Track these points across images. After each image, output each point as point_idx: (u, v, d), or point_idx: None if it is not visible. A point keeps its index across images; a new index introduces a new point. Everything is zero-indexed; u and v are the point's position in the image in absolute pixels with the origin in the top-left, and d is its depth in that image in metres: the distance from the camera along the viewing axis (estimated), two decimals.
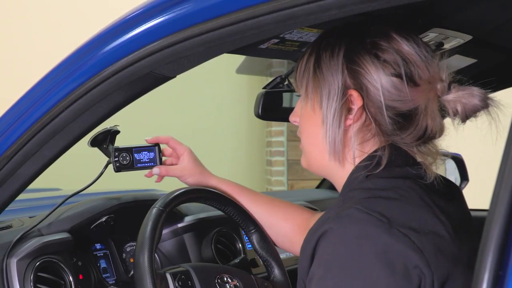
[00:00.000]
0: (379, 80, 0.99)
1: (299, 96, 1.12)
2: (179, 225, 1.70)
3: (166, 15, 0.98)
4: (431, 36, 1.19)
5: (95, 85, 1.07)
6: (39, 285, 1.36)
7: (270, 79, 1.48)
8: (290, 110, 1.50)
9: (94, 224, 1.54)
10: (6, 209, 1.30)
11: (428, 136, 1.03)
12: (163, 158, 1.54)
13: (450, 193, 1.07)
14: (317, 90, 1.04)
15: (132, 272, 1.61)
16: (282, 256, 1.60)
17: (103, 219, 1.55)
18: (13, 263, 1.33)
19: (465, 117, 0.99)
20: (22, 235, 1.40)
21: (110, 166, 1.50)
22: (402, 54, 1.00)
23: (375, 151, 1.02)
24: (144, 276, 1.23)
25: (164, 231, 1.68)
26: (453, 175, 2.23)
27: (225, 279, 1.40)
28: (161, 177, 1.51)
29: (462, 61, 1.40)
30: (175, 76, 1.12)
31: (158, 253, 1.69)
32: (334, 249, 0.91)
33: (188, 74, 1.17)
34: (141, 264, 1.23)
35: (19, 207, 1.72)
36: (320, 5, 0.86)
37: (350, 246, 0.90)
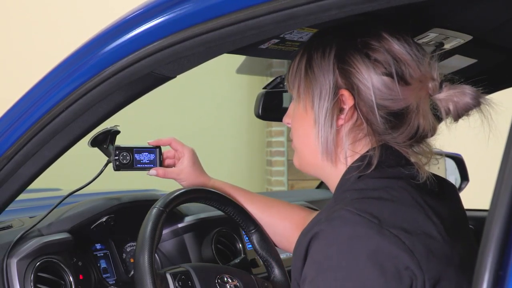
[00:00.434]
0: (370, 79, 0.99)
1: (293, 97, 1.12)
2: (179, 225, 1.70)
3: (166, 15, 0.98)
4: (431, 36, 1.19)
5: (95, 85, 1.07)
6: (39, 285, 1.36)
7: (270, 79, 1.48)
8: None
9: (94, 224, 1.54)
10: (6, 209, 1.29)
11: (421, 135, 1.03)
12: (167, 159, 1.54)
13: (444, 193, 1.07)
14: (308, 90, 1.05)
15: (132, 272, 1.61)
16: (282, 256, 1.60)
17: (103, 219, 1.55)
18: (13, 263, 1.33)
19: (457, 116, 0.99)
20: (22, 235, 1.40)
21: (110, 165, 1.50)
22: (393, 53, 1.00)
23: (367, 151, 1.02)
24: (144, 276, 1.23)
25: (164, 231, 1.68)
26: (453, 175, 2.23)
27: (225, 279, 1.40)
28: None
29: (462, 61, 1.40)
30: (175, 76, 1.12)
31: (158, 253, 1.69)
32: (326, 251, 0.91)
33: (189, 74, 1.17)
34: (141, 264, 1.23)
35: (19, 207, 1.72)
36: (320, 5, 0.86)
37: (341, 247, 0.90)
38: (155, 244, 1.27)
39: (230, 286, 1.40)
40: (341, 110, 1.02)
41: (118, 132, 1.51)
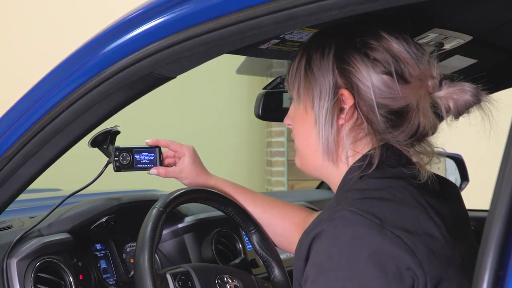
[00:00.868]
0: (370, 78, 0.99)
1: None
2: (179, 225, 1.70)
3: (167, 15, 0.98)
4: (431, 36, 1.19)
5: (95, 86, 1.07)
6: (39, 286, 1.36)
7: (270, 80, 1.48)
8: None
9: (95, 225, 1.54)
10: (7, 209, 1.29)
11: (421, 134, 1.03)
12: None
13: (445, 193, 1.07)
14: (308, 90, 1.05)
15: (132, 273, 1.61)
16: (282, 256, 1.60)
17: (104, 219, 1.55)
18: (13, 264, 1.33)
19: (457, 113, 0.99)
20: (22, 235, 1.40)
21: (110, 166, 1.50)
22: (392, 52, 1.00)
23: (369, 151, 1.02)
24: (144, 276, 1.23)
25: (164, 232, 1.68)
26: (453, 176, 2.23)
27: (225, 279, 1.40)
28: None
29: (462, 62, 1.40)
30: (175, 77, 1.12)
31: (158, 254, 1.69)
32: (327, 251, 0.91)
33: (189, 75, 1.17)
34: (141, 264, 1.23)
35: (19, 208, 1.72)
36: (320, 6, 0.86)
37: (342, 247, 0.90)
38: (155, 244, 1.27)
39: (230, 286, 1.40)
40: (341, 109, 1.02)
41: (118, 132, 1.51)
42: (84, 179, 1.49)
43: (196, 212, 1.75)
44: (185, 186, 1.49)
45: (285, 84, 1.13)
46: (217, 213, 1.67)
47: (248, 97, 4.96)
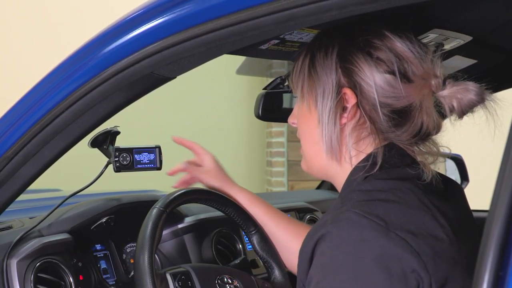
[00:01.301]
0: (373, 77, 0.99)
1: (297, 97, 1.12)
2: (180, 225, 1.70)
3: (167, 15, 0.98)
4: (431, 36, 1.19)
5: (96, 86, 1.07)
6: (39, 286, 1.36)
7: (270, 80, 1.48)
8: (290, 111, 1.49)
9: (95, 225, 1.54)
10: (7, 209, 1.29)
11: (425, 133, 1.03)
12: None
13: (451, 193, 1.07)
14: (312, 90, 1.05)
15: (132, 273, 1.61)
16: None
17: (104, 219, 1.55)
18: (13, 264, 1.33)
19: (461, 113, 0.99)
20: (22, 235, 1.40)
21: (110, 166, 1.50)
22: (395, 51, 1.00)
23: (373, 151, 1.02)
24: (144, 276, 1.23)
25: (164, 232, 1.68)
26: (453, 176, 2.23)
27: (225, 279, 1.40)
28: (185, 182, 1.51)
29: (462, 62, 1.40)
30: (175, 77, 1.12)
31: (158, 254, 1.69)
32: (332, 253, 0.91)
33: (189, 75, 1.17)
34: (141, 264, 1.24)
35: (19, 208, 1.72)
36: (320, 6, 0.86)
37: (347, 250, 0.90)
38: (155, 244, 1.27)
39: (230, 287, 1.40)
40: (344, 108, 1.02)
41: (118, 132, 1.51)
42: (84, 179, 1.49)
43: (196, 212, 1.75)
44: (186, 187, 1.49)
45: (288, 83, 1.13)
46: (217, 213, 1.67)
47: (248, 98, 4.96)
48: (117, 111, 1.17)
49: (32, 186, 1.28)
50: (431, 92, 1.00)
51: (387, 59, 0.99)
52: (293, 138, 4.85)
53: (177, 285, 1.31)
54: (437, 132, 1.05)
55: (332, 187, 2.45)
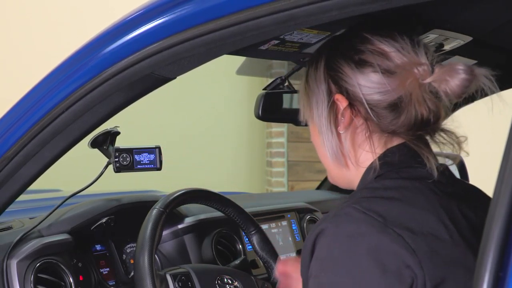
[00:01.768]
0: (356, 78, 1.02)
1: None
2: (179, 226, 1.70)
3: (167, 16, 0.98)
4: (431, 37, 1.19)
5: (95, 87, 1.07)
6: (39, 286, 1.36)
7: (270, 80, 1.48)
8: (290, 111, 1.50)
9: (94, 225, 1.54)
10: (7, 210, 1.29)
11: (422, 122, 1.02)
12: None
13: (472, 197, 1.07)
14: (309, 104, 1.09)
15: (132, 273, 1.61)
16: (282, 257, 1.60)
17: (103, 220, 1.55)
18: (14, 264, 1.33)
19: (457, 95, 0.98)
20: (22, 236, 1.40)
21: (110, 166, 1.50)
22: (375, 50, 1.02)
23: (386, 152, 1.03)
24: (144, 277, 1.23)
25: (164, 232, 1.68)
26: None
27: (225, 280, 1.40)
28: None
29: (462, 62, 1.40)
30: (175, 77, 1.12)
31: (158, 254, 1.69)
32: (329, 247, 0.93)
33: (189, 75, 1.17)
34: (141, 265, 1.24)
35: (19, 208, 1.72)
36: (320, 7, 0.86)
37: (343, 244, 0.92)
38: (155, 245, 1.27)
39: (230, 287, 1.40)
40: (341, 114, 1.04)
41: (118, 133, 1.52)
42: (84, 180, 1.49)
43: (196, 213, 1.75)
44: (185, 187, 1.49)
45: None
46: (217, 214, 1.67)
47: (248, 98, 4.96)
48: (117, 111, 1.17)
49: (32, 187, 1.28)
50: (417, 80, 1.00)
51: (368, 59, 1.02)
52: (293, 138, 4.85)
53: (177, 285, 1.31)
54: (436, 120, 1.04)
55: (332, 188, 2.45)
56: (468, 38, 1.24)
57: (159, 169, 1.57)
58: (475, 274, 0.69)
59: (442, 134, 1.06)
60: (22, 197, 1.32)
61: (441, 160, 1.08)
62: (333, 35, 1.17)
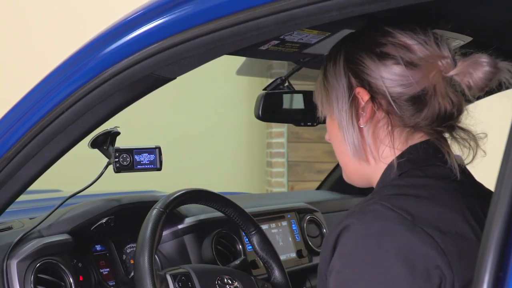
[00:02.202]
0: (378, 71, 1.00)
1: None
2: (179, 226, 1.70)
3: (167, 16, 0.98)
4: None
5: (95, 87, 1.07)
6: (39, 287, 1.36)
7: (270, 81, 1.48)
8: (290, 111, 1.50)
9: (94, 226, 1.54)
10: (7, 210, 1.29)
11: (444, 116, 1.01)
12: None
13: (486, 195, 1.06)
14: (328, 99, 1.07)
15: (132, 274, 1.61)
16: (282, 257, 1.60)
17: (103, 220, 1.55)
18: (14, 265, 1.33)
19: (480, 88, 0.97)
20: (22, 236, 1.40)
21: (110, 167, 1.50)
22: (397, 43, 1.01)
23: (409, 148, 1.02)
24: (144, 277, 1.23)
25: (164, 233, 1.68)
26: None
27: (226, 280, 1.40)
28: None
29: None
30: (175, 78, 1.12)
31: (158, 255, 1.69)
32: (355, 244, 0.91)
33: (189, 76, 1.18)
34: (141, 265, 1.24)
35: (19, 209, 1.72)
36: (320, 7, 0.86)
37: (370, 241, 0.90)
38: (155, 245, 1.27)
39: (230, 287, 1.40)
40: (363, 109, 1.02)
41: (118, 133, 1.52)
42: (84, 180, 1.49)
43: (196, 213, 1.75)
44: (185, 188, 1.49)
45: (316, 108, 1.13)
46: (217, 214, 1.67)
47: (248, 98, 4.96)
48: (117, 111, 1.17)
49: (32, 187, 1.28)
50: (441, 73, 0.99)
51: (390, 51, 1.00)
52: (293, 138, 4.85)
53: (177, 285, 1.31)
54: (459, 114, 1.03)
55: (331, 188, 2.44)
56: (468, 39, 1.24)
57: (159, 169, 1.57)
58: (475, 274, 0.69)
59: (460, 131, 1.04)
60: (22, 197, 1.32)
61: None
62: (333, 35, 1.17)
